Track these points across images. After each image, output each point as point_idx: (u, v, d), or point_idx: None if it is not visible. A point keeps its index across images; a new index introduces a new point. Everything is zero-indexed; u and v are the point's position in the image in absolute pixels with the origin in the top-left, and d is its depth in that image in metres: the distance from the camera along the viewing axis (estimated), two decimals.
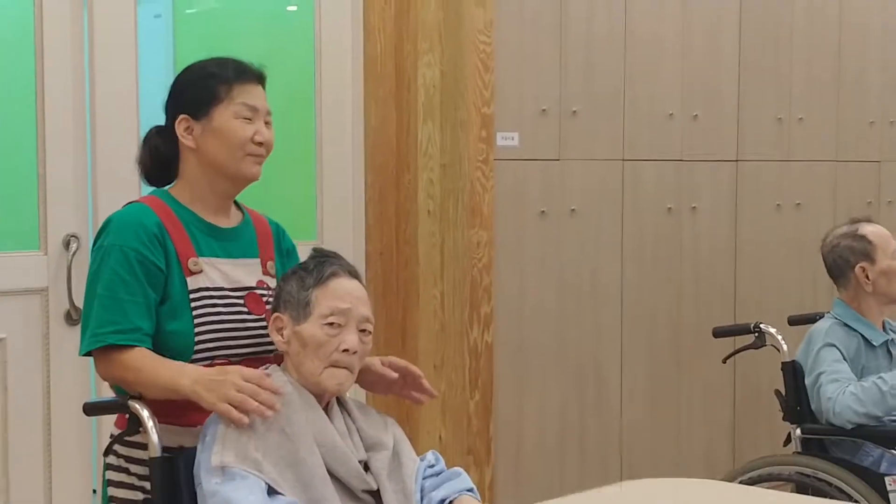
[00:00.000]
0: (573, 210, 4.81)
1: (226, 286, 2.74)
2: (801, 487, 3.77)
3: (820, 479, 3.74)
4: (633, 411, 5.00)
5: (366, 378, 2.82)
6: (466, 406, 4.50)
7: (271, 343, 2.70)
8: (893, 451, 3.81)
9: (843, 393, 3.85)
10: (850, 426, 3.83)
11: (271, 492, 2.41)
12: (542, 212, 4.71)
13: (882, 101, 5.96)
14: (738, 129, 5.36)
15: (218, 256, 2.77)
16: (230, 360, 2.69)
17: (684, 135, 5.16)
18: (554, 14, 4.71)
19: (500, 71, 4.55)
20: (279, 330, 2.63)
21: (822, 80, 5.68)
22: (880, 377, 3.91)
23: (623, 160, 4.96)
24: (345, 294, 2.61)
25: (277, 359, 2.72)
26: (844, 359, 3.98)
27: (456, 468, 2.69)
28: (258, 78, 2.83)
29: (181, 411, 2.63)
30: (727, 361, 4.37)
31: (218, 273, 2.75)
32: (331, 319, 2.57)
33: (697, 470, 5.00)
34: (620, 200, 4.97)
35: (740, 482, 3.77)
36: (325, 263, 2.66)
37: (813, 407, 3.96)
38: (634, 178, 5.00)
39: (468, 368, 4.50)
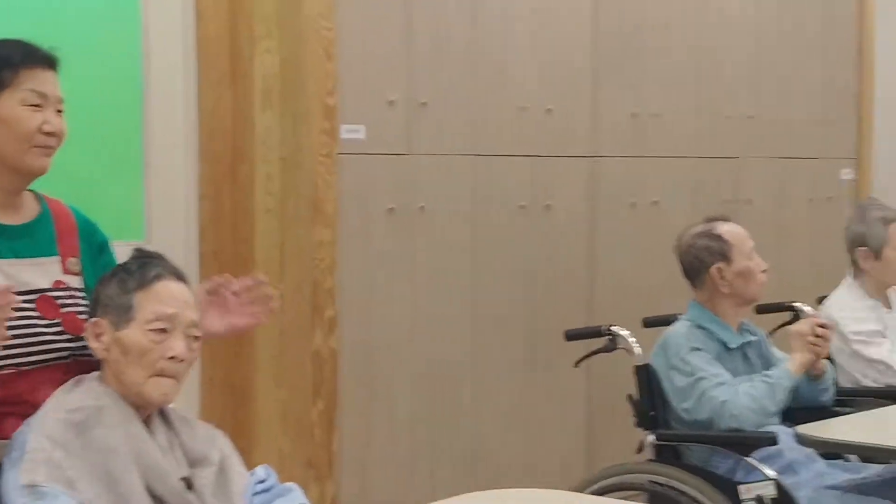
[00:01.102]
0: (422, 207, 4.79)
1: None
2: (654, 497, 3.81)
3: (673, 488, 3.77)
4: (485, 417, 5.01)
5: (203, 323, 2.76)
6: (309, 416, 4.46)
7: (68, 349, 2.65)
8: (748, 458, 3.85)
9: (737, 394, 3.91)
10: (749, 427, 3.88)
11: None
12: (390, 209, 4.68)
13: (739, 96, 6.06)
14: (594, 122, 5.40)
15: (4, 258, 2.66)
16: (20, 370, 2.59)
17: (538, 129, 5.18)
18: (400, 1, 4.69)
19: (344, 59, 4.50)
20: (97, 336, 2.57)
21: (678, 74, 5.75)
22: (763, 374, 4.03)
23: (475, 155, 4.94)
24: (170, 298, 2.58)
25: (81, 366, 2.64)
26: (713, 361, 4.03)
27: (289, 483, 2.68)
28: (49, 62, 2.72)
29: None
30: (579, 365, 4.37)
31: (2, 276, 2.61)
32: (156, 325, 2.54)
33: (552, 478, 5.00)
34: (472, 197, 4.95)
35: (591, 492, 3.79)
36: (148, 265, 2.62)
37: (690, 413, 3.96)
38: (487, 174, 5.00)
39: (310, 376, 4.46)
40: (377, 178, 4.63)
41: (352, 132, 4.53)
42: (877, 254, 4.72)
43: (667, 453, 3.95)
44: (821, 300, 4.84)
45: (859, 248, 4.76)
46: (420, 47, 4.75)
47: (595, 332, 4.24)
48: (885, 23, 7.48)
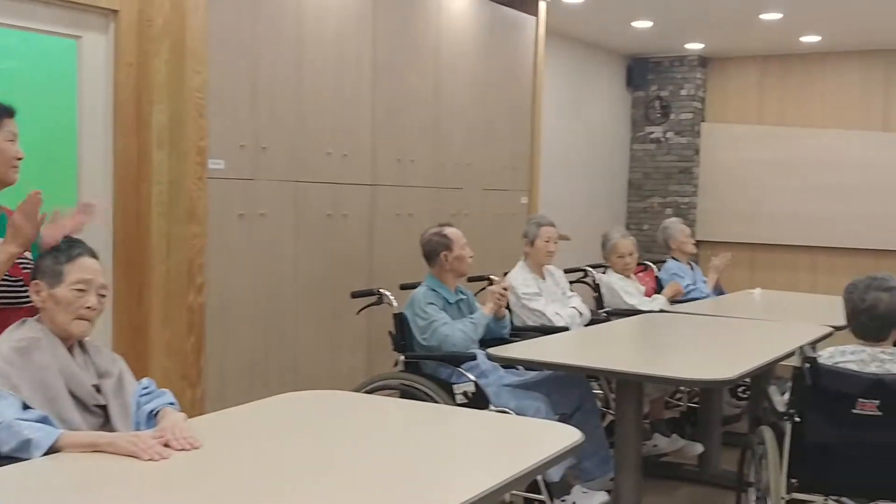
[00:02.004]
0: (263, 214, 4.74)
1: None
2: (404, 392, 3.84)
3: (415, 388, 3.82)
4: (303, 345, 4.98)
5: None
6: (185, 346, 4.38)
7: (22, 298, 2.63)
8: (459, 368, 3.92)
9: (454, 330, 3.97)
10: (462, 350, 3.94)
11: (26, 407, 2.28)
12: (241, 214, 4.62)
13: (462, 149, 6.14)
14: (373, 163, 5.41)
15: None
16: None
17: (338, 166, 5.17)
18: (250, 80, 4.64)
19: (212, 117, 4.43)
20: (38, 293, 2.50)
21: (424, 135, 5.79)
22: (469, 317, 4.09)
23: (297, 181, 4.92)
24: (88, 268, 2.52)
25: (33, 311, 2.57)
26: (441, 310, 4.08)
27: (164, 389, 2.60)
28: (13, 113, 2.79)
29: None
30: (360, 313, 4.39)
31: None
32: (77, 286, 2.48)
33: (345, 382, 5.02)
34: (295, 207, 4.93)
35: (365, 391, 3.82)
36: (73, 246, 2.56)
37: (426, 342, 3.99)
38: (305, 194, 4.97)
39: (186, 321, 4.38)
40: (232, 194, 4.57)
41: (216, 164, 4.46)
42: (532, 243, 4.86)
43: (412, 367, 4.00)
44: (505, 273, 4.93)
45: (524, 240, 4.90)
46: (262, 111, 4.69)
47: (370, 293, 4.27)
48: (547, 111, 7.75)
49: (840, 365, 3.03)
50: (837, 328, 4.26)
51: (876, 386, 2.94)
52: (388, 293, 4.21)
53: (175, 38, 4.32)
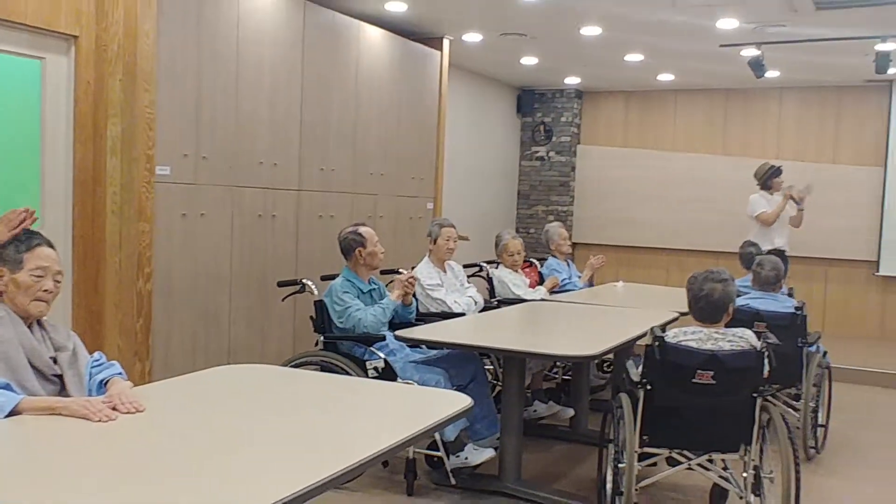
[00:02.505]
0: (203, 214, 4.65)
1: None
2: (323, 368, 3.79)
3: (333, 363, 3.78)
4: (238, 327, 4.90)
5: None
6: (135, 327, 4.28)
7: None
8: (371, 347, 3.89)
9: (366, 314, 3.91)
10: (374, 332, 3.87)
11: None
12: (184, 214, 4.53)
13: (377, 161, 6.10)
14: (299, 172, 5.36)
15: None
16: None
17: (270, 174, 5.10)
18: (194, 98, 4.55)
19: (160, 129, 4.34)
20: (0, 277, 2.41)
21: (344, 147, 5.75)
22: (379, 303, 4.02)
23: (235, 186, 4.85)
24: (45, 257, 2.45)
25: None
26: (355, 298, 4.03)
27: (113, 361, 2.53)
28: None
29: None
30: (285, 300, 4.32)
31: None
32: (36, 272, 2.41)
33: (275, 358, 4.99)
34: (231, 209, 4.84)
35: (291, 366, 3.76)
36: (32, 238, 2.48)
37: (343, 325, 3.92)
38: (240, 197, 4.89)
39: (136, 305, 4.27)
40: (176, 197, 4.47)
41: (163, 170, 4.37)
42: (435, 241, 4.85)
43: (330, 346, 3.94)
44: (412, 267, 4.87)
45: (429, 239, 4.87)
46: (203, 125, 4.61)
47: (294, 282, 4.19)
48: (450, 131, 7.78)
49: (682, 343, 3.10)
50: (683, 314, 4.38)
51: (711, 360, 3.02)
52: (310, 283, 4.15)
53: (128, 61, 4.21)
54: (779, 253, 6.09)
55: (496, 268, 5.60)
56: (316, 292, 4.11)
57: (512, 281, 5.45)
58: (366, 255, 4.10)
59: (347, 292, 4.00)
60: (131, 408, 2.18)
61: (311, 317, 4.08)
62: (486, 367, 4.51)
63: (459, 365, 4.02)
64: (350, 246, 4.12)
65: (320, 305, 4.01)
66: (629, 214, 9.28)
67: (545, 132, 9.61)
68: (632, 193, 9.28)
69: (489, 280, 5.54)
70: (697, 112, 9.11)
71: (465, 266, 5.32)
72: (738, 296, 4.32)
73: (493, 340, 3.74)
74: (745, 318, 4.16)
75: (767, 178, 6.90)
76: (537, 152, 9.68)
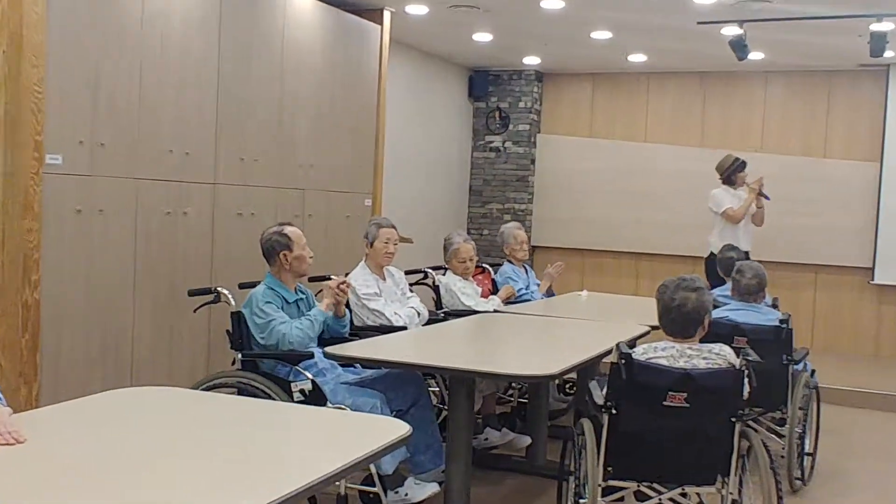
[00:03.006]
0: (101, 210, 4.58)
1: None
2: (241, 391, 3.77)
3: (252, 386, 3.76)
4: (141, 343, 4.85)
5: None
6: (20, 343, 4.19)
7: None
8: (297, 367, 3.88)
9: (292, 328, 3.89)
10: (301, 348, 3.86)
11: None
12: (78, 210, 4.45)
13: (305, 151, 6.10)
14: (216, 163, 5.32)
15: None
16: None
17: (179, 163, 5.05)
18: (90, 75, 4.48)
19: (51, 112, 4.26)
20: None
21: (268, 134, 5.74)
22: (306, 314, 4.02)
23: (137, 178, 4.78)
24: None
25: None
26: (279, 309, 4.02)
27: None
28: None
29: None
30: (197, 311, 4.28)
31: None
32: None
33: (185, 380, 4.94)
34: (135, 205, 4.78)
35: (201, 389, 3.71)
36: None
37: (265, 341, 3.91)
38: (145, 191, 4.83)
39: (21, 317, 4.19)
40: (70, 190, 4.40)
41: (53, 159, 4.29)
42: (372, 244, 4.85)
43: (249, 365, 3.93)
44: (346, 274, 4.87)
45: (365, 241, 4.85)
46: (101, 107, 4.54)
47: (207, 291, 4.16)
48: (391, 117, 7.77)
49: (652, 360, 3.12)
50: (654, 327, 4.42)
51: (684, 379, 3.04)
52: (225, 291, 4.12)
53: (12, 29, 4.12)
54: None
55: (444, 274, 5.64)
56: (233, 302, 4.08)
57: (462, 290, 5.49)
58: (292, 259, 4.09)
59: (270, 302, 3.98)
60: (9, 438, 2.14)
61: (228, 331, 4.05)
62: (431, 389, 4.53)
63: (399, 387, 4.03)
64: (274, 249, 4.10)
65: (238, 318, 3.99)
66: (596, 214, 9.40)
67: (501, 119, 9.68)
68: (599, 190, 9.39)
69: (435, 289, 5.58)
70: (672, 98, 9.26)
71: (407, 272, 5.33)
72: (715, 306, 4.40)
73: (438, 358, 3.75)
74: (723, 332, 4.22)
75: (732, 172, 7.10)
76: (492, 142, 9.74)
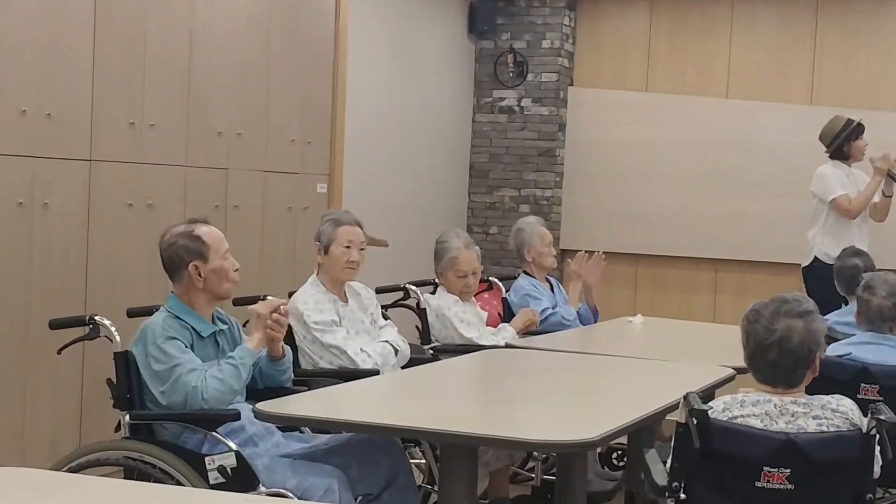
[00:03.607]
0: None
1: None
2: (129, 471, 3.72)
3: (146, 462, 3.71)
4: None
5: None
6: None
7: None
8: (215, 433, 3.85)
9: (206, 378, 3.87)
10: (220, 406, 3.86)
11: None
12: None
13: (228, 113, 6.11)
14: (92, 129, 5.31)
15: None
16: None
17: (37, 131, 5.05)
18: None
19: None
20: None
21: (172, 88, 5.73)
22: (229, 356, 4.00)
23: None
24: None
25: None
26: (188, 348, 3.98)
27: None
28: None
29: None
30: (62, 352, 4.23)
31: None
32: None
33: (42, 457, 4.90)
34: None
35: (69, 469, 3.66)
36: None
37: (166, 396, 3.88)
38: None
39: None
40: None
41: None
42: (327, 250, 4.81)
43: (142, 431, 3.89)
44: (290, 294, 4.87)
45: (317, 245, 4.85)
46: None
47: (79, 321, 4.11)
48: (356, 66, 7.75)
49: (738, 420, 3.11)
50: (741, 370, 4.41)
51: (786, 449, 3.03)
52: (106, 322, 4.06)
53: None
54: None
55: (434, 293, 5.63)
56: (118, 339, 4.03)
57: (459, 315, 5.48)
58: (208, 273, 4.06)
59: (174, 338, 3.95)
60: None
61: (110, 381, 3.99)
62: (414, 462, 4.52)
63: (367, 460, 4.02)
64: (181, 259, 4.06)
65: (126, 362, 3.95)
66: (654, 204, 9.37)
67: (516, 66, 9.67)
68: (658, 169, 9.37)
69: (421, 314, 5.55)
70: (768, 30, 9.24)
71: (379, 291, 5.33)
72: (831, 340, 4.34)
73: (423, 417, 3.73)
74: (842, 377, 4.20)
75: (844, 142, 7.08)
76: (503, 99, 9.72)
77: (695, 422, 3.08)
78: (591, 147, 9.63)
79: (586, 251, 6.36)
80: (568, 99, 9.70)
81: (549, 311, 6.03)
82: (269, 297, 4.58)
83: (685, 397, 3.15)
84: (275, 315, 4.11)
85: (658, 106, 9.44)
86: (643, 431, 4.24)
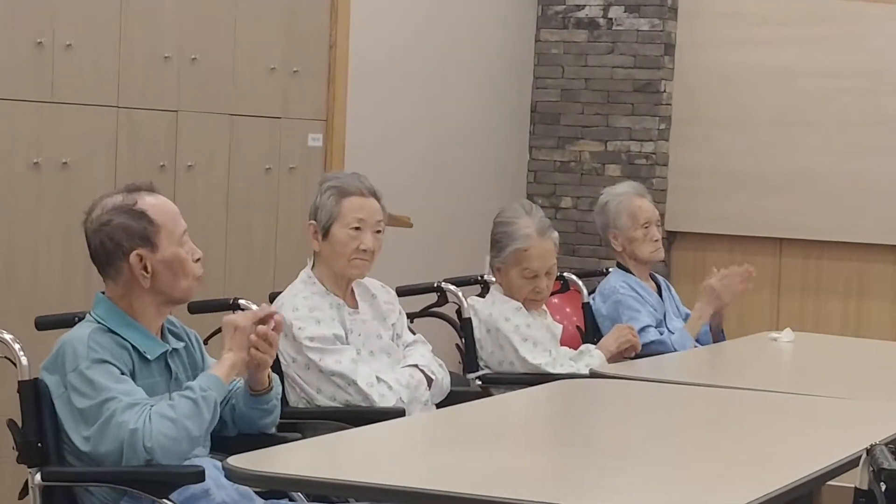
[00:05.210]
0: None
1: None
2: None
3: None
4: None
5: None
6: None
7: None
8: (167, 500, 3.87)
9: (150, 418, 3.87)
10: (173, 460, 3.88)
11: None
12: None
13: (178, 29, 6.17)
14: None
15: None
16: None
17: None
18: None
19: None
20: None
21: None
22: (186, 387, 4.02)
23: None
24: None
25: None
26: (124, 374, 3.98)
27: None
28: None
29: None
30: None
31: None
32: None
33: None
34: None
35: None
36: None
37: (93, 443, 3.90)
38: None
39: None
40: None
41: None
42: (326, 233, 4.88)
43: (60, 496, 3.93)
44: (274, 296, 4.93)
45: (312, 226, 4.92)
46: None
47: None
48: None
49: None
50: None
51: None
52: (7, 337, 4.13)
53: None
54: None
55: (482, 296, 5.70)
56: (24, 362, 4.07)
57: (522, 331, 5.54)
58: (155, 264, 4.09)
59: (105, 361, 3.98)
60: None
61: (13, 422, 4.05)
62: None
63: None
64: (117, 245, 4.08)
65: (35, 395, 4.00)
66: (806, 166, 9.36)
67: None
68: (813, 114, 9.36)
69: (465, 326, 5.62)
70: None
71: (403, 293, 5.43)
72: None
73: (470, 479, 3.73)
74: None
75: None
76: (581, 7, 9.74)
77: (883, 487, 3.11)
78: (714, 80, 9.64)
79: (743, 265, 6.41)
80: (679, 7, 9.70)
81: (652, 326, 6.03)
82: (251, 305, 4.62)
83: (868, 452, 3.19)
84: (261, 328, 4.12)
85: (815, 17, 9.43)
86: (803, 501, 4.24)
